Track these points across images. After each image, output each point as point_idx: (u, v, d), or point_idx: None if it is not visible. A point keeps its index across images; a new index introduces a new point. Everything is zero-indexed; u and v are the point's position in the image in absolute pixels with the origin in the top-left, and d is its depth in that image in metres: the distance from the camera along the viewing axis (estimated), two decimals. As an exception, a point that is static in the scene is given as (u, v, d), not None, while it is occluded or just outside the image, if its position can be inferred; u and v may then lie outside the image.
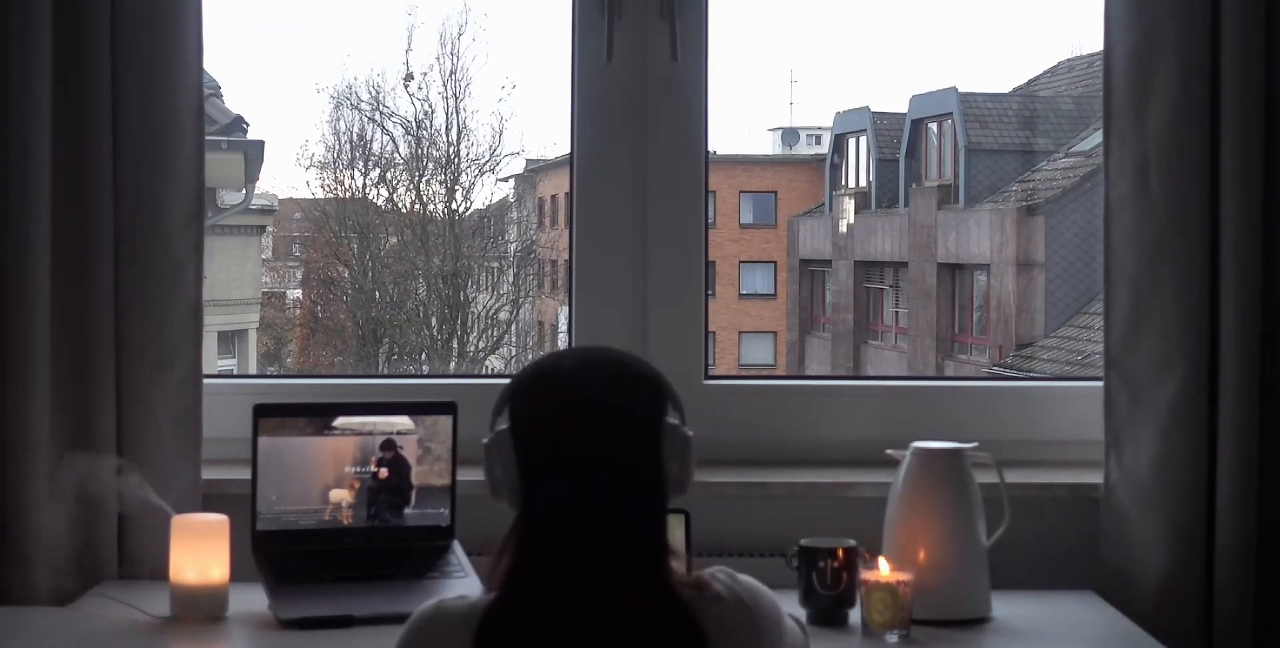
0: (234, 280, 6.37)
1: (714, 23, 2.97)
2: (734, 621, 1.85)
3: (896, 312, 7.77)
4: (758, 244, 7.59)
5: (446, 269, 6.60)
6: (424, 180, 6.55)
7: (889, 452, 2.58)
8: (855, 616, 2.48)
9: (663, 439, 1.85)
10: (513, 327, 6.76)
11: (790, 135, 7.53)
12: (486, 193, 6.66)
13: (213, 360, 5.69)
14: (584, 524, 1.82)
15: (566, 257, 3.09)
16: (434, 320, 6.64)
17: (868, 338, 7.78)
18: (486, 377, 1.93)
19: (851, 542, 2.53)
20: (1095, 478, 2.78)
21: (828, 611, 2.50)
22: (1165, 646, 2.43)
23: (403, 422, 2.66)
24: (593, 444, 1.83)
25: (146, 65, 2.69)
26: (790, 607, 2.42)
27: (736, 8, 3.34)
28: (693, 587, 1.85)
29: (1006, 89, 7.72)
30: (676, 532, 2.55)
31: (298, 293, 7.22)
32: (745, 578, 1.91)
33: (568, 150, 3.01)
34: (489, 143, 6.40)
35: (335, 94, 6.32)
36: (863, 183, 7.75)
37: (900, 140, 7.53)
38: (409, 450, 2.66)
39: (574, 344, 2.94)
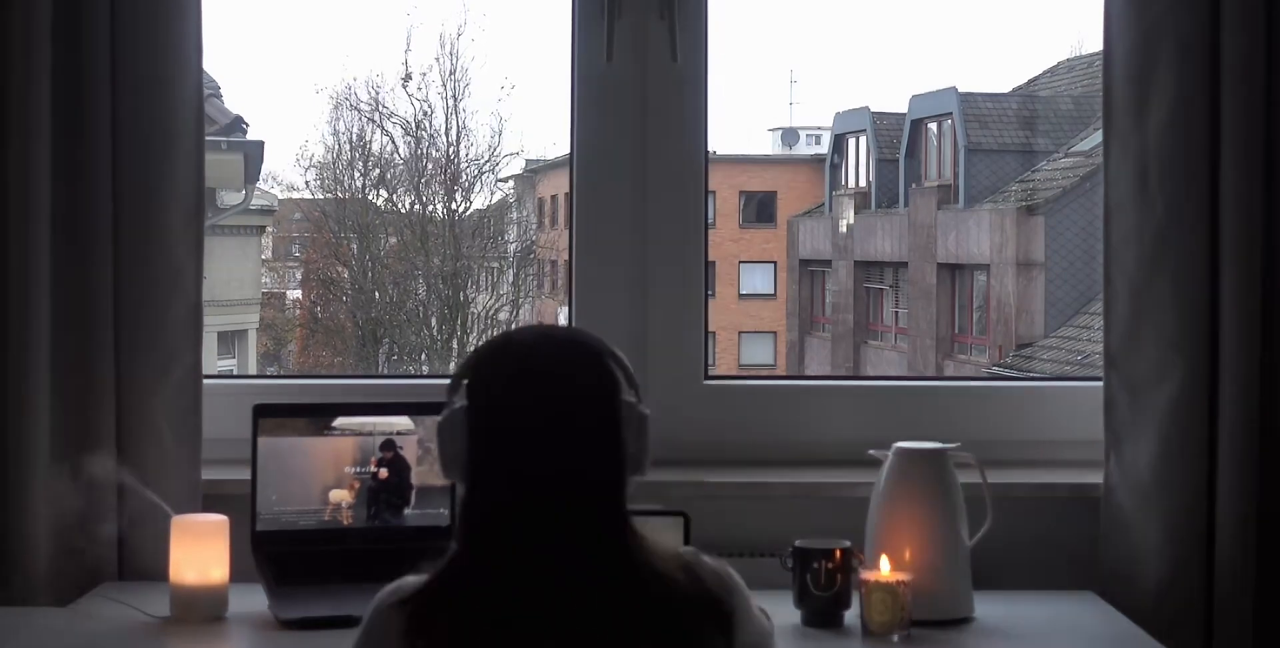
0: (234, 280, 6.36)
1: (714, 23, 2.98)
2: (702, 595, 1.82)
3: (896, 312, 7.76)
4: (758, 244, 7.59)
5: (446, 269, 6.60)
6: (423, 181, 6.55)
7: (871, 452, 2.58)
8: (850, 617, 2.48)
9: (620, 416, 1.83)
10: (513, 327, 6.75)
11: (790, 135, 7.53)
12: (486, 193, 6.66)
13: (213, 360, 5.69)
14: (539, 502, 1.79)
15: (566, 257, 3.09)
16: (434, 321, 6.64)
17: (868, 338, 7.77)
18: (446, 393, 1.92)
19: (847, 543, 2.53)
20: (1095, 478, 2.78)
21: (823, 612, 2.49)
22: (1165, 646, 2.43)
23: (403, 422, 2.66)
24: (550, 419, 1.80)
25: (146, 65, 2.69)
26: (785, 608, 2.43)
27: (736, 8, 3.34)
28: (665, 560, 1.82)
29: (1006, 89, 7.72)
30: (675, 534, 2.55)
31: (298, 293, 7.22)
32: (711, 559, 1.89)
33: (568, 150, 3.01)
34: (489, 143, 6.40)
35: (335, 94, 6.32)
36: (863, 183, 7.75)
37: (900, 140, 7.52)
38: (409, 451, 2.66)
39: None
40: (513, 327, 6.75)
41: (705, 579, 1.83)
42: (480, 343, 1.92)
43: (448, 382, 1.89)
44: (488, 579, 1.78)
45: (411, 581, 1.84)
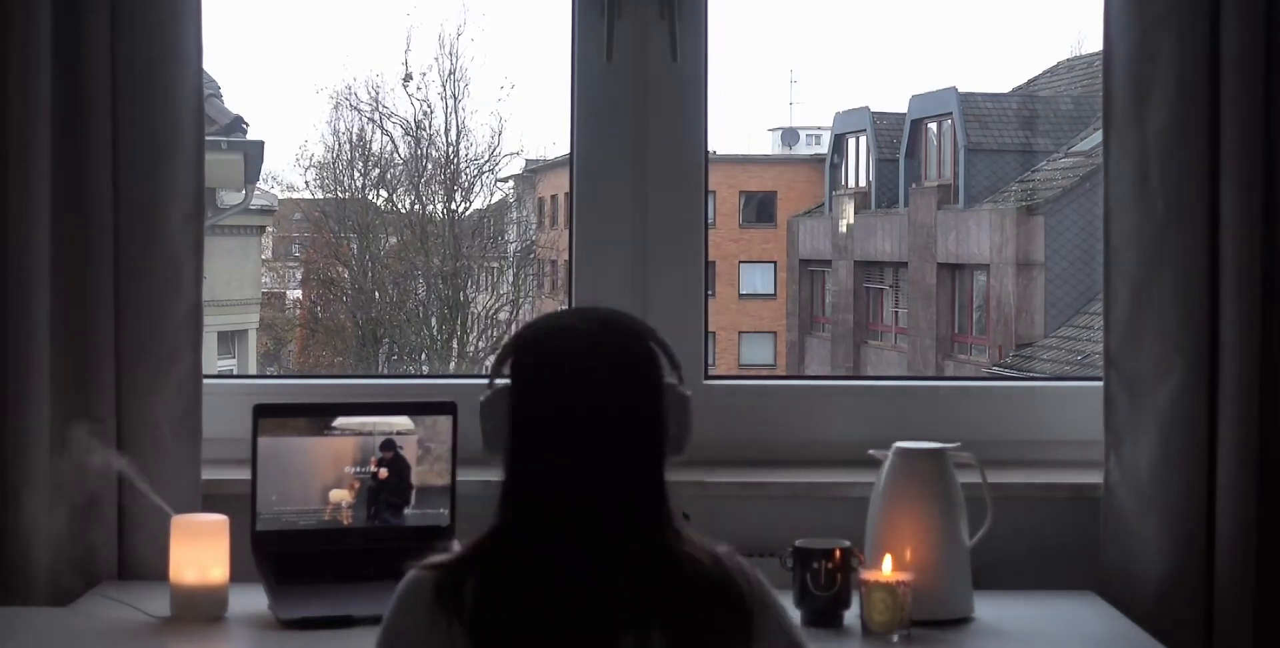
0: (234, 280, 6.36)
1: (714, 23, 2.98)
2: (727, 587, 1.83)
3: (896, 312, 7.77)
4: (758, 244, 7.59)
5: (446, 269, 6.60)
6: (423, 181, 6.55)
7: (871, 452, 2.58)
8: (850, 617, 2.48)
9: (663, 398, 1.86)
10: (512, 327, 6.76)
11: (790, 135, 7.53)
12: (486, 193, 6.67)
13: (213, 360, 5.69)
14: (580, 482, 1.82)
15: (566, 257, 3.09)
16: (434, 320, 6.64)
17: (868, 338, 7.78)
18: (486, 377, 1.93)
19: (846, 543, 2.53)
20: (1095, 478, 2.78)
21: (822, 612, 2.49)
22: (1165, 646, 2.43)
23: (403, 422, 2.66)
24: (593, 401, 1.83)
25: (146, 65, 2.69)
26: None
27: (736, 8, 3.34)
28: (698, 548, 1.84)
29: (1006, 89, 7.72)
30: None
31: (298, 293, 7.22)
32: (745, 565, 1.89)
33: (568, 150, 3.01)
34: (488, 143, 6.41)
35: (335, 94, 6.32)
36: (863, 183, 7.75)
37: (900, 140, 7.53)
38: (409, 451, 2.66)
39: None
40: (519, 323, 6.75)
41: (733, 575, 1.84)
42: (524, 323, 1.95)
43: (491, 359, 1.95)
44: (521, 552, 1.80)
45: (446, 555, 1.87)
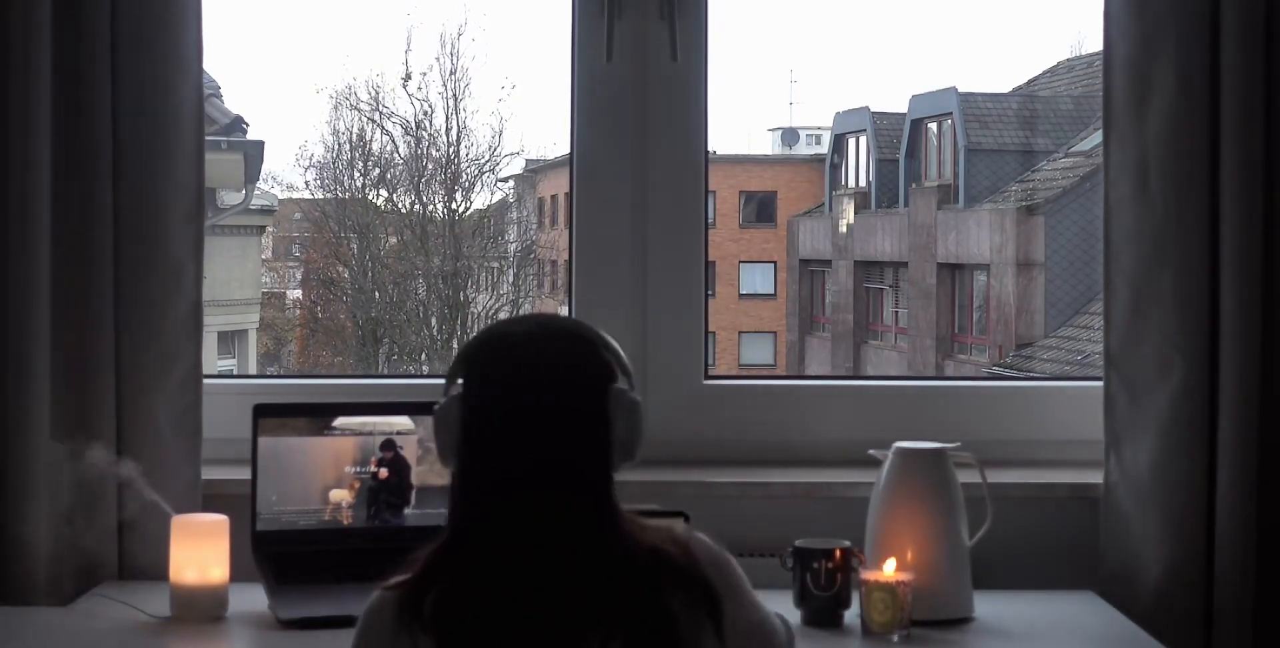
0: (234, 280, 6.36)
1: (714, 23, 2.98)
2: (692, 572, 1.83)
3: (896, 312, 7.77)
4: (758, 244, 7.59)
5: (446, 269, 6.60)
6: (423, 181, 6.55)
7: (871, 452, 2.58)
8: (850, 617, 2.48)
9: (610, 401, 1.85)
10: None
11: (790, 135, 7.53)
12: (486, 193, 6.67)
13: (213, 360, 5.69)
14: (526, 484, 1.81)
15: (566, 257, 3.09)
16: (434, 320, 6.64)
17: (868, 338, 7.78)
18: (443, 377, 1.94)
19: (846, 543, 2.53)
20: (1095, 478, 2.79)
21: (823, 612, 2.49)
22: (1165, 646, 2.43)
23: (403, 422, 2.67)
24: (540, 407, 1.83)
25: (146, 65, 2.69)
26: (785, 608, 2.43)
27: (736, 8, 3.34)
28: (658, 534, 1.84)
29: (1006, 89, 7.72)
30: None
31: (298, 293, 7.22)
32: (709, 542, 1.90)
33: (568, 150, 3.01)
34: (489, 143, 6.40)
35: (335, 94, 6.32)
36: (863, 183, 7.75)
37: (900, 140, 7.53)
38: (409, 450, 2.66)
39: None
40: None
41: (698, 557, 1.85)
42: (475, 332, 1.95)
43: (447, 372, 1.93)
44: (477, 561, 1.81)
45: (405, 573, 1.86)
